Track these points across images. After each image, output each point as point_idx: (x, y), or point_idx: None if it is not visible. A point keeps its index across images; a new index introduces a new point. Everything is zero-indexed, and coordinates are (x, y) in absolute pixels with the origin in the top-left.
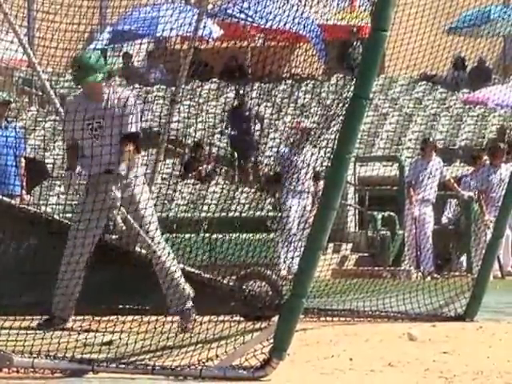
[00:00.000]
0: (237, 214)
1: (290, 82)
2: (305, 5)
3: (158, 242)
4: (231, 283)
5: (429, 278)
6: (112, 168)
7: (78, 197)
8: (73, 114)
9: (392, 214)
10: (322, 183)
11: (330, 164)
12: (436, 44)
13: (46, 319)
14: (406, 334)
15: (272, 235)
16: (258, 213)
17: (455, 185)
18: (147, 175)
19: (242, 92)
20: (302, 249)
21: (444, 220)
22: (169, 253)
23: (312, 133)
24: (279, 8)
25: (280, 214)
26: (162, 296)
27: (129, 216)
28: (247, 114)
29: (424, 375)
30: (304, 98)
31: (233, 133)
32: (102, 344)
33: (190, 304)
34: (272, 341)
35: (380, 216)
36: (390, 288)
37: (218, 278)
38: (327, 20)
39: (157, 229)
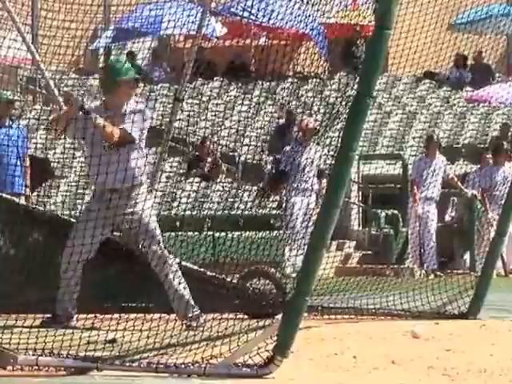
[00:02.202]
0: (240, 211)
1: (293, 80)
2: (307, 3)
3: (162, 253)
4: (235, 281)
5: (432, 276)
6: (120, 185)
7: (85, 203)
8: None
9: (395, 212)
10: (325, 181)
11: (333, 162)
12: (440, 42)
13: (49, 317)
14: (410, 331)
15: (275, 233)
16: (262, 211)
17: (459, 183)
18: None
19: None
20: (306, 246)
21: (447, 218)
22: (172, 265)
23: (316, 131)
24: (282, 6)
25: (284, 212)
26: (166, 294)
27: (132, 229)
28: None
29: (427, 373)
30: (307, 97)
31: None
32: (106, 342)
33: (196, 311)
34: (276, 338)
35: (383, 214)
36: (393, 286)
37: (222, 275)
38: (329, 18)
39: (159, 242)
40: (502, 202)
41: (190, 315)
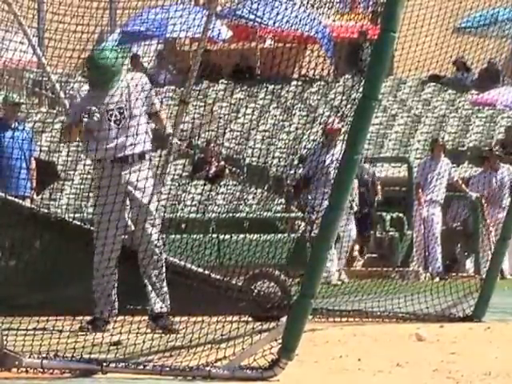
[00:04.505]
0: (245, 214)
1: (298, 82)
2: (312, 6)
3: (154, 237)
4: (240, 284)
5: (437, 279)
6: (130, 153)
7: (94, 189)
8: (87, 100)
9: (400, 214)
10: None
11: (338, 165)
12: (445, 45)
13: (89, 321)
14: (415, 334)
15: (280, 236)
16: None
17: (463, 186)
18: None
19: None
20: (333, 251)
21: (452, 223)
22: (161, 252)
23: (341, 132)
24: (287, 9)
25: (313, 216)
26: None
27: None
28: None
29: (432, 376)
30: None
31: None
32: (110, 344)
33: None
34: (281, 341)
35: (389, 217)
36: (398, 289)
37: (227, 278)
38: (334, 21)
39: (155, 226)
40: (501, 205)
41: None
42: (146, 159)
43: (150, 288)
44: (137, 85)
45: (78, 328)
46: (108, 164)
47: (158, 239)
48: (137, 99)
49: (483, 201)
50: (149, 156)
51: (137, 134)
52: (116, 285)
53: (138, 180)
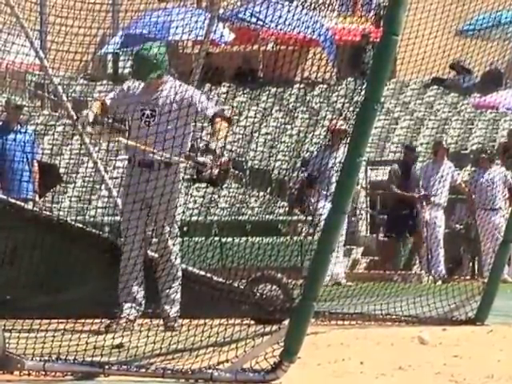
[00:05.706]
0: (248, 217)
1: (300, 85)
2: (315, 9)
3: (173, 244)
4: (242, 287)
5: (439, 282)
6: (154, 158)
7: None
8: (129, 91)
9: None
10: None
11: (340, 167)
12: (447, 48)
13: (110, 322)
14: (417, 337)
15: (282, 238)
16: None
17: (466, 189)
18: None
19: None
20: (334, 253)
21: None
22: (177, 258)
23: (346, 134)
24: (289, 12)
25: (312, 218)
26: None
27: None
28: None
29: (434, 379)
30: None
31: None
32: (112, 347)
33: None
34: (283, 344)
35: None
36: (400, 291)
37: (229, 281)
38: (337, 24)
39: (174, 235)
40: (490, 204)
41: (172, 317)
42: (173, 170)
43: (163, 293)
44: (176, 94)
45: (103, 328)
46: (136, 169)
47: (175, 247)
48: (170, 110)
49: (472, 196)
50: (175, 168)
51: (165, 142)
52: (142, 282)
53: (162, 189)
